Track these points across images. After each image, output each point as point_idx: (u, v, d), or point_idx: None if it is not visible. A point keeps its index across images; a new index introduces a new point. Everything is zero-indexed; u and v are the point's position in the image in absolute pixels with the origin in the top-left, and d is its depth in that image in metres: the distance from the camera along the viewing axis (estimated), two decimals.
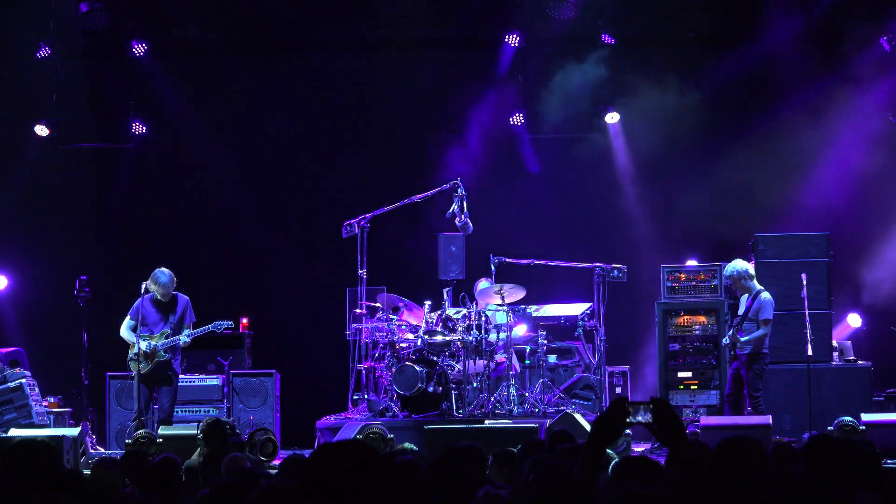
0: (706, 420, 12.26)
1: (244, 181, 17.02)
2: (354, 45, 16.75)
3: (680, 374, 14.02)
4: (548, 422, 12.05)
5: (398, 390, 13.12)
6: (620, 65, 16.12)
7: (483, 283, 14.17)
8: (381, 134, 16.85)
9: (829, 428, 11.86)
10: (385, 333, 13.60)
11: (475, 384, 13.41)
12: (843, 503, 5.05)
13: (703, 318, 14.07)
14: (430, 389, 13.10)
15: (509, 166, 16.79)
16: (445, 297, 14.01)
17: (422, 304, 13.85)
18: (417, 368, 13.10)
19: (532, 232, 16.30)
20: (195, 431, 10.70)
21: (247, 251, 16.90)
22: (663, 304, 14.11)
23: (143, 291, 12.82)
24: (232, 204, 16.94)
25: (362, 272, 13.81)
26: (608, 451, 6.70)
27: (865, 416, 12.01)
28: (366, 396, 13.65)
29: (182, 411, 13.90)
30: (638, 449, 12.52)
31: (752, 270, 13.11)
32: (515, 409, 13.12)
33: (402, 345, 13.58)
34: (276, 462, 11.46)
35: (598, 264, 13.97)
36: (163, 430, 12.12)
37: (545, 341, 14.13)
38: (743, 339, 12.72)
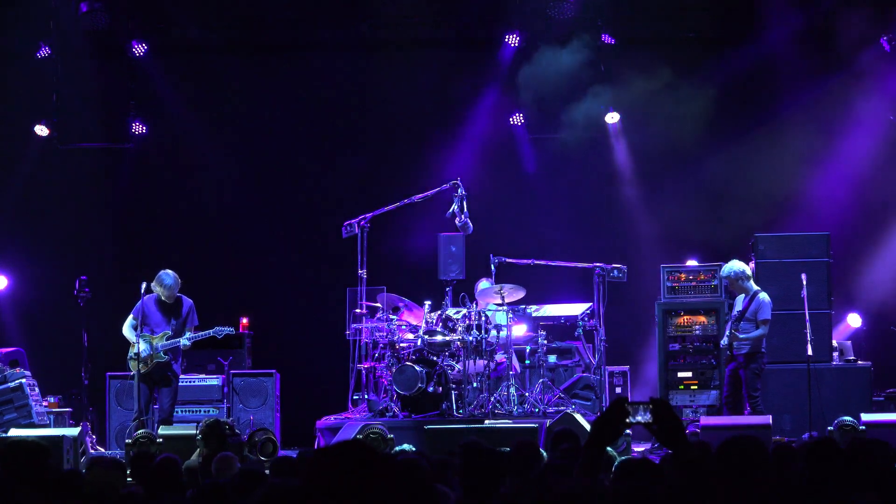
0: (706, 420, 12.25)
1: (244, 181, 17.02)
2: (354, 45, 16.75)
3: (680, 374, 14.02)
4: (548, 422, 12.04)
5: (398, 390, 13.12)
6: (620, 65, 16.12)
7: (484, 283, 14.17)
8: (381, 134, 16.86)
9: (829, 428, 11.85)
10: (385, 333, 13.60)
11: (475, 384, 13.41)
12: (843, 503, 5.05)
13: (703, 318, 14.07)
14: (430, 389, 13.10)
15: (509, 166, 16.79)
16: (445, 297, 14.02)
17: (422, 304, 13.84)
18: (417, 368, 13.09)
19: (532, 232, 16.31)
20: (195, 432, 10.73)
21: (247, 251, 16.91)
22: (663, 304, 14.11)
23: (143, 291, 12.83)
24: (232, 204, 16.94)
25: (362, 272, 13.81)
26: (609, 450, 6.71)
27: (865, 416, 12.00)
28: (366, 396, 13.65)
29: (182, 411, 13.90)
30: (638, 449, 12.53)
31: (748, 271, 13.11)
32: (515, 409, 13.11)
33: (402, 345, 13.57)
34: None
35: (598, 264, 13.96)
36: (163, 430, 12.12)
37: (545, 341, 14.12)
38: (742, 336, 12.72)
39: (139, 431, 12.03)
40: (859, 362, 14.03)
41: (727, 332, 12.95)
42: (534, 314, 14.49)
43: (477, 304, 13.81)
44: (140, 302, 12.86)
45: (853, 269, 15.62)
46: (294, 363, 15.64)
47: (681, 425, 4.37)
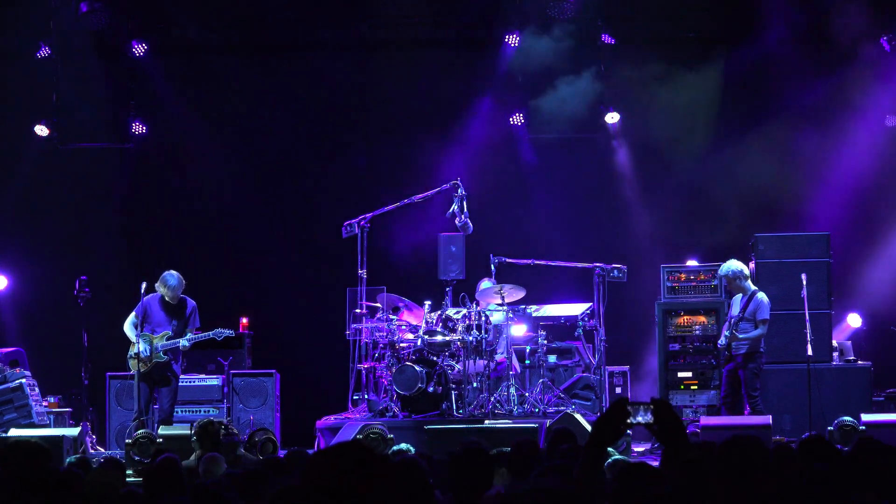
0: (706, 420, 12.25)
1: (244, 181, 17.02)
2: (354, 45, 16.75)
3: (680, 374, 14.02)
4: (548, 422, 12.04)
5: (398, 390, 13.12)
6: (620, 65, 16.12)
7: (485, 283, 14.17)
8: (381, 134, 16.85)
9: (829, 428, 11.86)
10: (385, 333, 13.60)
11: (475, 384, 13.41)
12: (841, 503, 5.05)
13: (703, 318, 14.07)
14: (430, 389, 13.10)
15: (509, 166, 16.78)
16: (445, 297, 14.02)
17: (422, 304, 13.84)
18: (417, 368, 13.09)
19: (532, 232, 16.31)
20: (189, 432, 10.75)
21: (247, 251, 16.91)
22: (663, 304, 14.11)
23: (143, 291, 12.84)
24: (232, 204, 16.94)
25: (362, 272, 13.80)
26: (610, 450, 6.71)
27: (865, 416, 12.00)
28: (366, 396, 13.65)
29: (182, 411, 13.89)
30: (638, 449, 12.53)
31: (746, 271, 13.10)
32: (515, 409, 13.11)
33: (402, 345, 13.57)
34: None
35: (598, 264, 13.96)
36: (163, 430, 12.13)
37: (545, 341, 14.12)
38: (741, 336, 12.72)
39: (139, 431, 12.03)
40: (859, 362, 14.03)
41: (725, 333, 12.94)
42: (534, 314, 14.49)
43: (477, 304, 13.81)
44: (143, 300, 12.87)
45: (853, 269, 15.62)
46: (294, 363, 15.63)
47: (682, 426, 4.36)
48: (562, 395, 13.83)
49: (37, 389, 13.92)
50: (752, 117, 16.23)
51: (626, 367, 15.14)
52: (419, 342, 13.45)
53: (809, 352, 12.72)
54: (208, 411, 14.23)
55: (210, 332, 12.95)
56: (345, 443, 3.58)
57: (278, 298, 16.68)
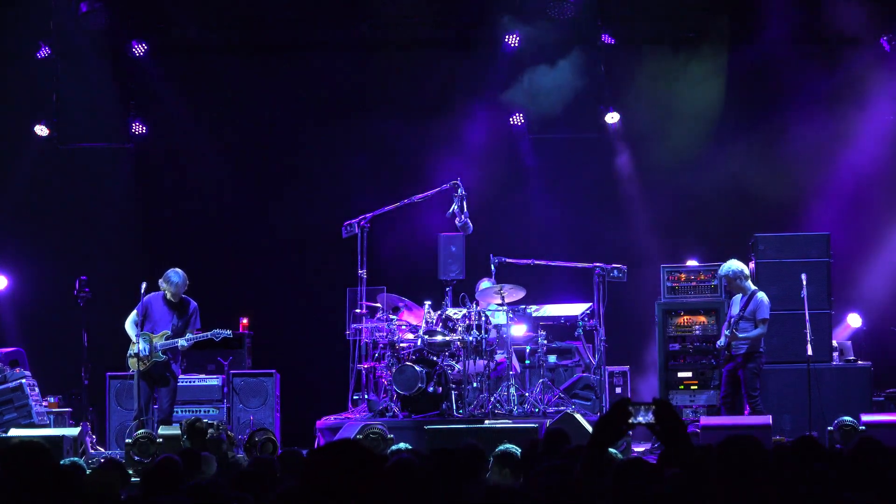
0: (706, 420, 12.26)
1: (244, 181, 17.02)
2: (354, 45, 16.74)
3: (680, 374, 14.02)
4: (548, 422, 12.04)
5: (398, 390, 13.12)
6: (620, 65, 16.11)
7: (485, 283, 14.17)
8: (381, 134, 16.84)
9: (829, 428, 11.85)
10: (385, 333, 13.60)
11: (475, 384, 13.41)
12: (838, 503, 5.05)
13: (703, 318, 14.07)
14: (430, 389, 13.10)
15: (509, 166, 16.78)
16: (445, 297, 14.01)
17: (422, 304, 13.84)
18: (417, 368, 13.09)
19: (532, 232, 16.31)
20: (179, 432, 10.82)
21: (247, 251, 16.91)
22: (663, 304, 14.11)
23: (143, 291, 12.84)
24: (232, 204, 16.94)
25: (362, 272, 13.80)
26: (613, 451, 6.71)
27: (865, 417, 12.00)
28: (366, 396, 13.65)
29: (182, 411, 13.88)
30: (638, 449, 12.53)
31: (747, 271, 13.10)
32: (515, 409, 13.11)
33: (402, 345, 13.57)
34: None
35: (598, 264, 13.96)
36: (163, 430, 12.13)
37: (545, 341, 14.12)
38: (741, 335, 12.73)
39: (139, 431, 12.03)
40: (859, 362, 14.03)
41: (725, 332, 12.94)
42: (534, 314, 14.49)
43: (477, 304, 13.81)
44: (145, 298, 12.88)
45: (853, 269, 15.61)
46: (294, 363, 15.63)
47: (683, 426, 4.36)
48: (562, 395, 13.83)
49: (37, 389, 13.91)
50: (752, 117, 16.23)
51: (626, 367, 15.14)
52: (419, 342, 13.45)
53: (809, 352, 12.72)
54: (208, 411, 14.23)
55: (208, 333, 12.95)
56: (342, 441, 3.58)
57: (278, 298, 16.67)
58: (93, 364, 14.34)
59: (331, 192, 16.64)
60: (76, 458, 9.60)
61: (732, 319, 12.92)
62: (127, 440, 12.06)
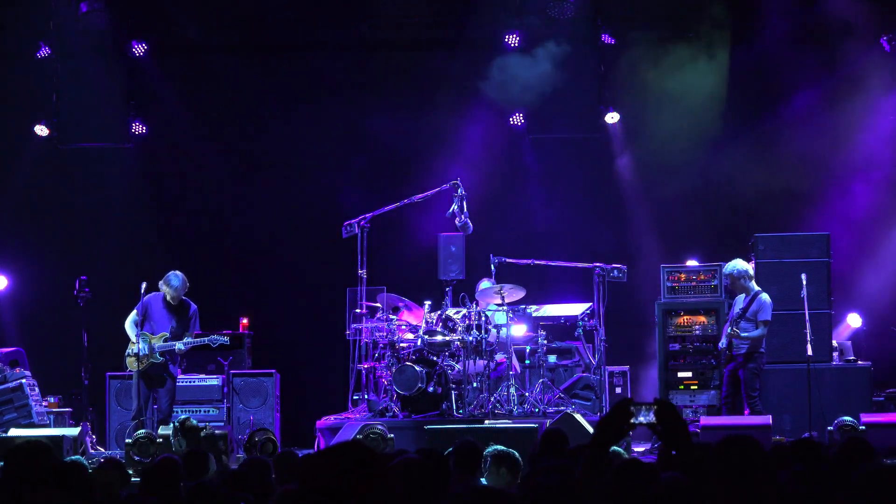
0: (706, 420, 12.26)
1: (244, 181, 17.02)
2: (354, 45, 16.74)
3: (680, 374, 14.01)
4: (548, 422, 12.04)
5: (398, 390, 13.12)
6: (620, 65, 16.11)
7: (485, 283, 14.17)
8: (381, 134, 16.84)
9: (829, 428, 11.85)
10: (385, 333, 13.60)
11: (475, 384, 13.41)
12: (838, 503, 5.06)
13: (703, 318, 14.06)
14: (430, 389, 13.10)
15: (509, 166, 16.78)
16: (445, 297, 14.01)
17: (422, 304, 13.84)
18: (417, 368, 13.09)
19: (532, 232, 16.31)
20: (170, 433, 10.84)
21: (247, 251, 16.91)
22: (663, 304, 14.11)
23: (143, 291, 12.85)
24: (232, 204, 16.95)
25: (362, 272, 13.80)
26: (618, 450, 6.72)
27: (865, 417, 12.00)
28: (366, 396, 13.65)
29: (182, 411, 13.87)
30: (638, 449, 12.53)
31: (751, 271, 13.12)
32: (515, 409, 13.11)
33: (402, 345, 13.57)
34: None
35: (598, 264, 13.96)
36: (162, 430, 12.13)
37: (545, 341, 14.12)
38: (742, 335, 12.74)
39: (139, 431, 12.03)
40: (859, 362, 14.03)
41: (727, 332, 12.94)
42: (534, 314, 14.49)
43: (477, 303, 13.81)
44: (145, 298, 12.89)
45: (853, 269, 15.61)
46: (294, 363, 15.63)
47: (684, 426, 4.37)
48: (562, 395, 13.83)
49: (37, 389, 13.91)
50: (752, 117, 16.24)
51: (626, 367, 15.14)
52: (419, 342, 13.45)
53: (809, 352, 12.72)
54: (208, 411, 14.24)
55: (205, 338, 12.96)
56: (344, 443, 3.58)
57: (278, 298, 16.67)
58: (93, 364, 14.34)
59: (331, 191, 16.64)
60: (79, 457, 9.63)
61: (734, 318, 12.92)
62: (127, 440, 12.06)
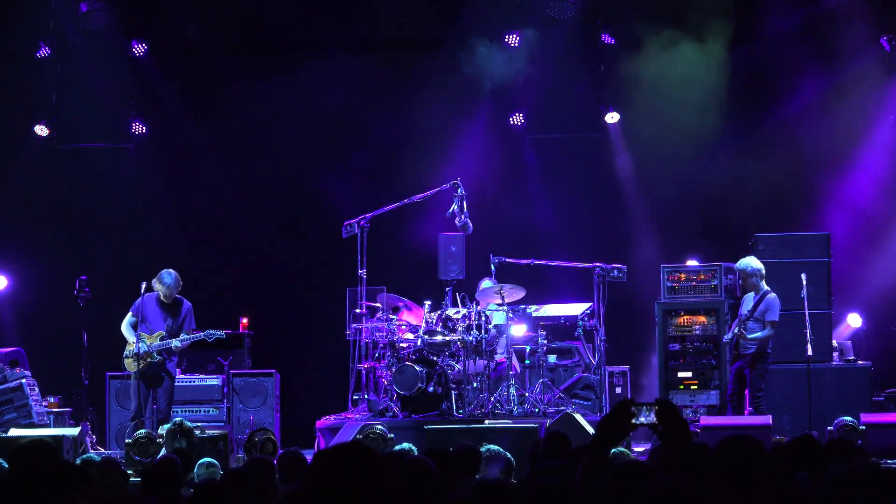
0: (706, 420, 12.25)
1: (244, 181, 17.02)
2: (354, 45, 16.74)
3: (680, 374, 14.01)
4: (548, 422, 12.04)
5: (398, 390, 13.12)
6: (620, 65, 16.11)
7: (485, 283, 14.17)
8: (381, 134, 16.84)
9: (829, 428, 11.85)
10: (385, 333, 13.60)
11: (475, 384, 13.41)
12: (838, 503, 5.06)
13: (703, 318, 14.05)
14: (430, 389, 13.09)
15: (509, 166, 16.79)
16: (445, 297, 14.01)
17: (422, 304, 13.84)
18: (417, 368, 13.09)
19: (532, 232, 16.31)
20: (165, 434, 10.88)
21: (247, 251, 16.91)
22: (663, 304, 14.10)
23: (142, 291, 12.86)
24: (232, 204, 16.94)
25: (362, 272, 13.80)
26: (623, 450, 6.72)
27: (865, 417, 12.00)
28: (366, 396, 13.65)
29: (182, 411, 13.88)
30: (638, 449, 12.52)
31: (763, 271, 13.06)
32: (515, 409, 13.11)
33: (402, 345, 13.57)
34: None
35: (597, 264, 13.96)
36: (162, 430, 12.13)
37: (545, 341, 14.12)
38: (750, 336, 12.73)
39: (139, 431, 12.04)
40: (859, 362, 14.04)
41: (735, 330, 12.90)
42: (534, 314, 14.48)
43: (477, 303, 13.81)
44: (139, 299, 12.89)
45: (853, 269, 15.61)
46: (294, 363, 15.64)
47: (686, 427, 4.36)
48: (562, 395, 13.83)
49: (37, 389, 13.91)
50: (752, 117, 16.24)
51: (626, 367, 15.13)
52: (419, 342, 13.45)
53: (809, 352, 12.72)
54: (208, 411, 14.24)
55: (201, 333, 12.96)
56: (346, 443, 3.58)
57: (278, 298, 16.68)
58: (93, 364, 14.34)
59: (331, 191, 16.64)
60: (92, 454, 9.65)
61: (742, 318, 12.89)
62: (127, 440, 12.06)
